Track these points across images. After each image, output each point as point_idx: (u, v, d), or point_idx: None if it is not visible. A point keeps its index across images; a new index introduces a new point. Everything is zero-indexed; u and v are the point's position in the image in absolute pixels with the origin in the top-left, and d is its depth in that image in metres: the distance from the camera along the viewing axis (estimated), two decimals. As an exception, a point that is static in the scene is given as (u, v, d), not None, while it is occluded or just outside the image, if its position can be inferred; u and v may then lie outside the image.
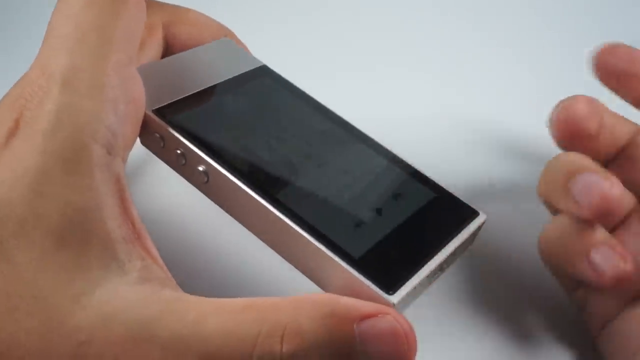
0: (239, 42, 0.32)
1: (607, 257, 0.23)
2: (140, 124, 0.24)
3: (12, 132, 0.20)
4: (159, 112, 0.25)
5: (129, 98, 0.22)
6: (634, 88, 0.26)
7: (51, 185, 0.20)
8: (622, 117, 0.27)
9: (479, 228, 0.25)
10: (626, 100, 0.27)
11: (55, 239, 0.19)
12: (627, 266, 0.23)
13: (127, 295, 0.19)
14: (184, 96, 0.26)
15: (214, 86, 0.27)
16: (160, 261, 0.22)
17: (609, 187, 0.23)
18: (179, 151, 0.25)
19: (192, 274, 0.24)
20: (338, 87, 0.39)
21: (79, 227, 0.20)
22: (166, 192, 0.32)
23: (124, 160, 0.22)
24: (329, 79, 0.41)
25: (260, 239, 0.24)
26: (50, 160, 0.20)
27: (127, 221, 0.21)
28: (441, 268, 0.23)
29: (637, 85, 0.26)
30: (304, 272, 0.23)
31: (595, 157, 0.26)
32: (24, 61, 0.22)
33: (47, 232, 0.19)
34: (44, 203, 0.19)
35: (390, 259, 0.22)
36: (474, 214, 0.25)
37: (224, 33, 0.31)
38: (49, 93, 0.20)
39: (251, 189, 0.23)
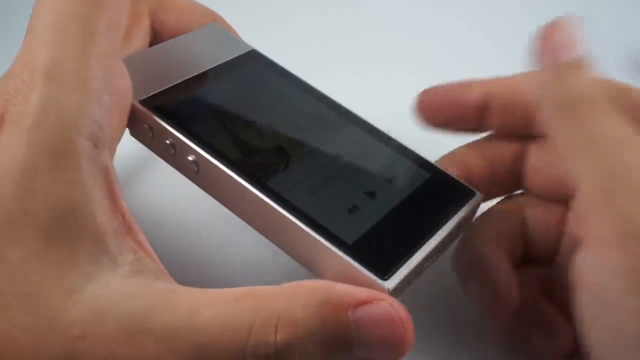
0: (228, 26, 0.32)
1: (543, 342, 0.24)
2: (127, 114, 0.24)
3: None
4: (146, 102, 0.25)
5: (114, 89, 0.22)
6: (461, 118, 0.27)
7: (38, 181, 0.19)
8: (497, 145, 0.27)
9: (476, 208, 0.24)
10: (459, 131, 0.27)
11: (45, 235, 0.19)
12: (564, 342, 0.24)
13: (119, 288, 0.19)
14: (172, 85, 0.26)
15: (203, 73, 0.27)
16: (153, 254, 0.21)
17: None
18: (167, 141, 0.24)
19: (186, 266, 0.24)
20: (340, 80, 0.39)
21: (67, 222, 0.19)
22: (159, 185, 0.32)
23: (112, 152, 0.22)
24: (331, 72, 0.40)
25: (254, 227, 0.24)
26: (36, 155, 0.20)
27: (116, 214, 0.21)
28: (438, 250, 0.23)
29: (463, 115, 0.27)
30: (298, 260, 0.23)
31: (507, 190, 0.27)
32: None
33: (36, 228, 0.19)
34: (32, 199, 0.19)
35: (384, 243, 0.22)
36: (469, 193, 0.24)
37: (212, 18, 0.31)
38: (33, 87, 0.20)
39: (241, 177, 0.23)
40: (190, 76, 0.27)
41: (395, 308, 0.20)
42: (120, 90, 0.23)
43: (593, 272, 0.20)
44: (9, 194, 0.19)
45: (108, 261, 0.20)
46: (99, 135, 0.21)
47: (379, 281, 0.21)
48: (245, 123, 0.25)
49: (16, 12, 0.47)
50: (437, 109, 0.27)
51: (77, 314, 0.19)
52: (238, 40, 0.30)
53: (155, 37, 0.29)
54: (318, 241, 0.21)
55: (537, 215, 0.26)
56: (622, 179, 0.20)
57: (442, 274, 0.28)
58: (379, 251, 0.21)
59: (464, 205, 0.24)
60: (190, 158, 0.24)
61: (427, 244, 0.22)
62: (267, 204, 0.22)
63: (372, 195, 0.23)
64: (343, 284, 0.20)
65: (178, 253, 0.28)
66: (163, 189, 0.33)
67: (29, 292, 0.19)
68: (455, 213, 0.23)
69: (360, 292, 0.20)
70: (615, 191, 0.20)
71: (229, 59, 0.28)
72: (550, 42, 0.24)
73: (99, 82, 0.21)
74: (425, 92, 0.27)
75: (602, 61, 0.42)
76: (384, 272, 0.21)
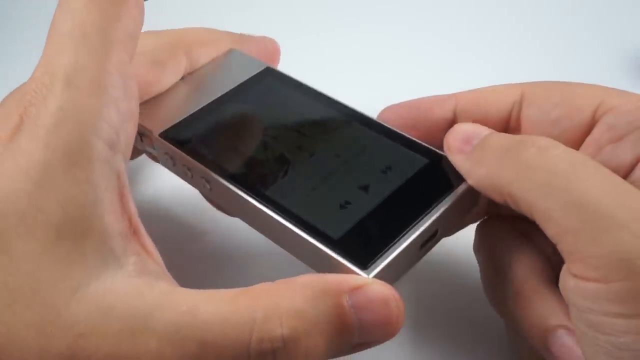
0: (250, 40, 0.32)
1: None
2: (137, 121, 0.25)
3: (17, 128, 0.21)
4: (163, 134, 0.27)
5: (130, 96, 0.23)
6: (430, 135, 0.26)
7: (53, 179, 0.20)
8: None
9: (467, 193, 0.24)
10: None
11: (54, 231, 0.20)
12: None
13: (122, 287, 0.20)
14: (187, 115, 0.28)
15: (216, 99, 0.29)
16: (156, 256, 0.22)
17: None
18: (184, 167, 0.27)
19: (190, 269, 0.25)
20: (347, 79, 0.40)
21: (77, 220, 0.20)
22: (164, 187, 0.33)
23: (126, 157, 0.23)
24: (336, 74, 0.41)
25: (265, 235, 0.25)
26: (53, 155, 0.20)
27: (124, 217, 0.21)
28: (432, 237, 0.23)
29: (433, 133, 0.26)
30: (303, 260, 0.24)
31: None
32: (23, 62, 0.23)
33: (47, 225, 0.20)
34: (45, 196, 0.20)
35: (368, 235, 0.23)
36: (457, 180, 0.24)
37: (239, 42, 0.32)
38: (53, 90, 0.21)
39: (244, 191, 0.24)
40: (204, 104, 0.29)
41: (387, 287, 0.20)
42: (134, 97, 0.23)
43: (578, 294, 0.20)
44: (23, 190, 0.20)
45: (112, 261, 0.20)
46: (115, 140, 0.22)
47: (360, 272, 0.21)
48: (250, 138, 0.27)
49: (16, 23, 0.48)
50: (405, 127, 0.26)
51: (81, 311, 0.19)
52: (253, 61, 0.31)
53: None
54: (310, 242, 0.23)
55: (540, 234, 0.25)
56: (586, 211, 0.20)
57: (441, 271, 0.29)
58: (362, 243, 0.22)
59: (451, 192, 0.24)
60: (203, 179, 0.26)
61: (410, 232, 0.22)
62: (267, 214, 0.24)
63: (365, 189, 0.24)
64: (333, 274, 0.21)
65: (181, 256, 0.29)
66: (165, 190, 0.34)
67: (36, 288, 0.19)
68: (442, 200, 0.24)
69: (353, 278, 0.21)
70: (586, 224, 0.20)
71: (241, 81, 0.30)
72: (458, 138, 0.24)
73: (116, 89, 0.22)
74: (388, 110, 0.27)
75: (602, 61, 0.43)
76: (365, 263, 0.22)
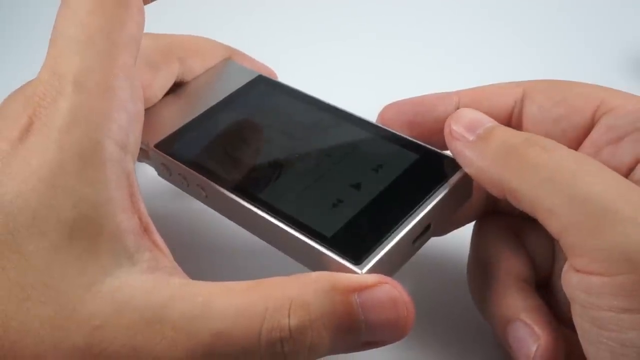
0: (246, 58, 0.33)
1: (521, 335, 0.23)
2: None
3: (27, 129, 0.21)
4: (159, 145, 0.28)
5: (136, 98, 0.23)
6: (433, 133, 0.26)
7: (65, 179, 0.20)
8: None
9: (463, 181, 0.24)
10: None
11: (67, 230, 0.20)
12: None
13: (137, 283, 0.20)
14: (181, 126, 0.29)
15: (208, 109, 0.29)
16: (168, 253, 0.22)
17: (534, 348, 0.23)
18: (180, 175, 0.27)
19: (198, 265, 0.25)
20: (346, 83, 0.41)
21: (90, 219, 0.20)
22: (170, 189, 0.33)
23: (134, 158, 0.23)
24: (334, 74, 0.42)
25: (263, 239, 0.25)
26: (66, 155, 0.21)
27: (135, 215, 0.22)
28: (424, 232, 0.24)
29: (437, 130, 0.26)
30: (300, 261, 0.24)
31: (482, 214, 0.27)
32: (21, 62, 0.23)
33: (59, 224, 0.20)
34: (57, 195, 0.20)
35: (360, 232, 0.23)
36: (451, 170, 0.24)
37: (231, 54, 0.32)
38: (62, 92, 0.21)
39: (239, 197, 0.25)
40: (197, 114, 0.29)
41: (398, 290, 0.21)
42: (140, 99, 0.24)
43: (581, 290, 0.20)
44: (36, 190, 0.20)
45: (126, 258, 0.21)
46: (125, 141, 0.22)
47: (353, 267, 0.22)
48: (243, 144, 0.28)
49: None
50: (407, 123, 0.27)
51: (96, 306, 0.20)
52: (245, 70, 0.32)
53: (184, 81, 0.31)
54: (304, 241, 0.23)
55: (532, 235, 0.26)
56: (590, 206, 0.20)
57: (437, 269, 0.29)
58: (354, 240, 0.23)
59: (443, 183, 0.24)
60: (199, 187, 0.27)
61: (401, 227, 0.23)
62: (261, 217, 0.24)
63: (357, 187, 0.25)
64: (345, 274, 0.21)
65: (189, 253, 0.30)
66: (171, 191, 0.34)
67: (50, 284, 0.20)
68: (434, 192, 0.24)
69: (364, 277, 0.21)
70: (590, 218, 0.20)
71: (233, 90, 0.30)
72: (460, 124, 0.24)
73: (124, 91, 0.22)
74: (391, 107, 0.27)
75: (602, 61, 0.43)
76: (358, 258, 0.22)
